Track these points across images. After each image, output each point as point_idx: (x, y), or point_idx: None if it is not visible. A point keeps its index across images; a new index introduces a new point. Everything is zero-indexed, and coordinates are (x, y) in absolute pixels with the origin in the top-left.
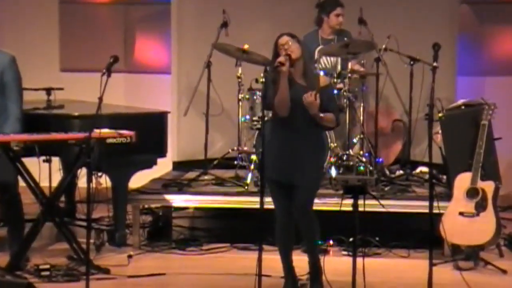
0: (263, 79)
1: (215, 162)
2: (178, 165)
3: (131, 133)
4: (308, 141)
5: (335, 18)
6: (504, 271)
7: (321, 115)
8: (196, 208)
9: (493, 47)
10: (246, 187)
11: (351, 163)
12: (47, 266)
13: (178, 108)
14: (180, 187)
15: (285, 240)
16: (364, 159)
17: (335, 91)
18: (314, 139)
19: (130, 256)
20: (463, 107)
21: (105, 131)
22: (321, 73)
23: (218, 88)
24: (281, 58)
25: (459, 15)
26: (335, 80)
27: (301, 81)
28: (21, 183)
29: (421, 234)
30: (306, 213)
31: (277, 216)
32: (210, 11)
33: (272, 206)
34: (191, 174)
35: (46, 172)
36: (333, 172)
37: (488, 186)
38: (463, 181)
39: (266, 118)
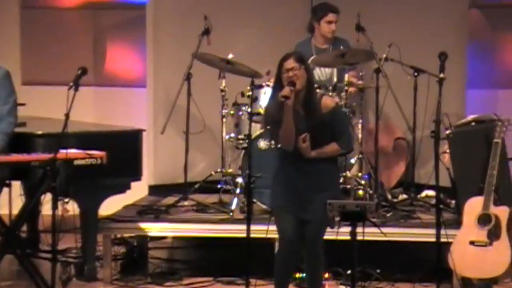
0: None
1: (196, 186)
2: (155, 190)
3: (102, 153)
4: (321, 172)
5: (326, 26)
6: None
7: (319, 150)
8: (175, 238)
9: (506, 57)
10: (231, 214)
11: (349, 186)
12: None
13: (154, 125)
14: (157, 214)
15: (287, 271)
16: (363, 182)
17: None
18: (326, 169)
19: None
20: (473, 124)
21: (73, 151)
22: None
23: (199, 102)
24: (286, 91)
25: (468, 21)
26: (330, 93)
27: (299, 108)
28: None
29: (428, 266)
30: (318, 247)
31: (281, 244)
32: (190, 17)
33: (259, 235)
34: (169, 200)
35: (6, 198)
36: None
37: (502, 212)
38: (474, 206)
39: (253, 136)
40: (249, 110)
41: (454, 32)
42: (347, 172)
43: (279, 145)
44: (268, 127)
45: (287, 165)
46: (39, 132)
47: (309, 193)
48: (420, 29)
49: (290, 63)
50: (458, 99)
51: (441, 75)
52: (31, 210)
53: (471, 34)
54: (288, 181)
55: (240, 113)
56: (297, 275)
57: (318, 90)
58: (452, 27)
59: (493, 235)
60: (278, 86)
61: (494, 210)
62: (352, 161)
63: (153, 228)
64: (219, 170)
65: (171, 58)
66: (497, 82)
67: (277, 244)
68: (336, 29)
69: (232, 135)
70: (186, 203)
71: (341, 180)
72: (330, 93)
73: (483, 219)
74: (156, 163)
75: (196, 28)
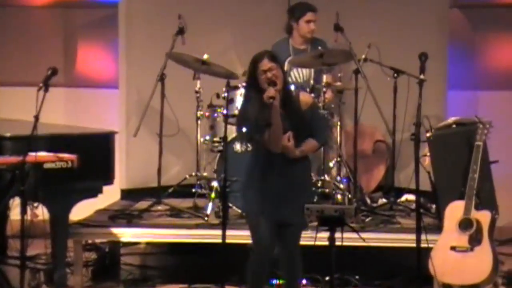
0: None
1: (170, 190)
2: (127, 194)
3: (73, 156)
4: (297, 172)
5: (306, 25)
6: None
7: (302, 148)
8: (148, 243)
9: (488, 57)
10: (206, 219)
11: (327, 190)
12: None
13: (127, 127)
14: (129, 219)
15: (260, 277)
16: (342, 186)
17: None
18: (302, 169)
19: None
20: (454, 126)
21: (42, 154)
22: (292, 87)
23: (173, 104)
24: (271, 92)
25: (449, 21)
26: None
27: (281, 109)
28: None
29: (408, 272)
30: (297, 252)
31: (255, 248)
32: (164, 16)
33: (235, 241)
34: (143, 204)
35: None
36: None
37: (484, 217)
38: (455, 210)
39: (229, 139)
40: (224, 112)
41: (434, 32)
42: (326, 176)
43: (256, 147)
44: (244, 129)
45: (262, 166)
46: (8, 134)
47: (286, 194)
48: (400, 29)
49: (266, 63)
50: (439, 101)
51: (422, 76)
52: None
53: (452, 34)
54: (263, 183)
55: (216, 115)
56: (276, 282)
57: (292, 88)
58: (433, 27)
59: (475, 240)
60: (253, 89)
61: (475, 214)
62: (331, 164)
63: (125, 234)
64: (193, 173)
65: (144, 58)
66: (479, 84)
67: None
68: (315, 28)
69: (207, 137)
70: (159, 207)
71: (319, 184)
72: None
73: (464, 224)
74: (129, 167)
75: (170, 27)
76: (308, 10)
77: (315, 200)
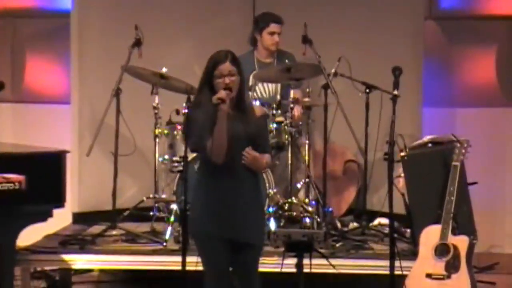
0: (187, 111)
1: (126, 213)
2: (80, 217)
3: (20, 177)
4: (249, 187)
5: (269, 37)
6: None
7: (265, 159)
8: (102, 271)
9: (465, 72)
10: (164, 244)
11: (295, 213)
12: None
13: (79, 146)
14: (82, 244)
15: None
16: (310, 209)
17: (274, 125)
18: (254, 183)
19: None
20: (430, 145)
21: None
22: (257, 102)
23: (129, 121)
24: (222, 93)
25: (424, 34)
26: (274, 111)
27: (234, 113)
28: None
29: None
30: (255, 275)
31: (209, 277)
32: (120, 26)
33: (196, 268)
34: (96, 229)
35: None
36: (273, 224)
37: (461, 242)
38: (430, 235)
39: (189, 158)
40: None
41: (409, 45)
42: (293, 198)
43: (203, 159)
44: (191, 139)
45: (209, 181)
46: None
47: (242, 212)
48: (373, 42)
49: (227, 67)
50: (414, 118)
51: (395, 92)
52: None
53: (427, 47)
54: (215, 202)
55: (175, 132)
56: None
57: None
58: (407, 40)
59: (452, 267)
60: (206, 90)
61: (452, 240)
62: (298, 186)
63: (77, 260)
64: (151, 195)
65: (98, 71)
66: (456, 100)
67: None
68: (280, 40)
69: (166, 157)
70: (114, 232)
71: (286, 207)
72: (274, 112)
73: (441, 249)
74: (81, 188)
75: (126, 38)
76: (272, 21)
77: (281, 224)
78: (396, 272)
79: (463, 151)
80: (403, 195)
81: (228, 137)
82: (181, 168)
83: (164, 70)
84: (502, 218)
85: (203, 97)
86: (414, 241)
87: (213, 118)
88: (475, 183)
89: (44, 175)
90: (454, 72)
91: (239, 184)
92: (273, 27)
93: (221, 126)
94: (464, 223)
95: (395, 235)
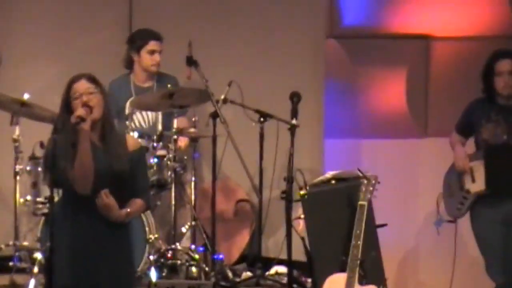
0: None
1: None
2: None
3: None
4: (116, 230)
5: (149, 57)
6: None
7: (128, 210)
8: None
9: (373, 98)
10: None
11: (179, 261)
12: None
13: None
14: None
15: None
16: (197, 256)
17: (155, 160)
18: (123, 227)
19: None
20: (333, 182)
21: None
22: (135, 134)
23: None
24: (81, 111)
25: (326, 55)
26: (154, 144)
27: (98, 143)
28: None
29: None
30: None
31: None
32: None
33: None
34: None
35: None
36: (154, 275)
37: None
38: (334, 285)
39: (56, 198)
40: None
41: (308, 67)
42: (177, 244)
43: (64, 197)
44: (52, 172)
45: (75, 224)
46: None
47: (105, 258)
48: (268, 64)
49: (83, 84)
50: (315, 150)
51: (294, 121)
52: None
53: (329, 70)
54: (75, 244)
55: (39, 169)
56: None
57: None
58: (307, 61)
59: None
60: (65, 115)
61: None
62: (183, 229)
63: None
64: (11, 243)
65: None
66: (362, 130)
67: None
68: (161, 60)
69: (29, 197)
70: None
71: (169, 254)
72: (155, 144)
73: None
74: None
75: None
76: (151, 38)
77: (163, 274)
78: None
79: (371, 188)
80: (303, 239)
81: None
82: (46, 210)
83: (26, 96)
84: (414, 265)
85: (62, 123)
86: None
87: (76, 143)
88: (384, 225)
89: None
90: (360, 98)
91: (104, 227)
92: (152, 44)
93: (84, 148)
94: (372, 270)
95: (294, 285)
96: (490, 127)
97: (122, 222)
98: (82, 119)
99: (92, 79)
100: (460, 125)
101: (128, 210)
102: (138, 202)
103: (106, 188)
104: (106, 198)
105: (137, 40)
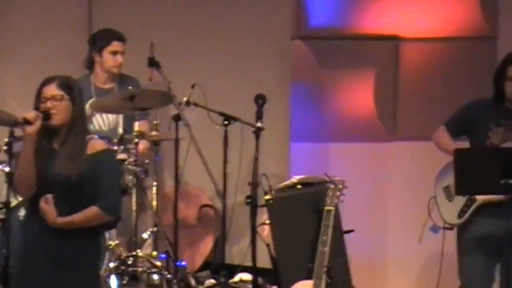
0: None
1: None
2: None
3: None
4: (76, 239)
5: (111, 58)
6: None
7: (67, 219)
8: None
9: (340, 100)
10: None
11: (140, 269)
12: None
13: None
14: None
15: None
16: (158, 263)
17: None
18: (82, 244)
19: None
20: (299, 187)
21: None
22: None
23: None
24: (30, 115)
25: (292, 56)
26: (115, 147)
27: (59, 149)
28: None
29: None
30: None
31: None
32: None
33: None
34: None
35: None
36: (114, 283)
37: None
38: None
39: (12, 204)
40: (6, 169)
41: (274, 69)
42: (138, 251)
43: (28, 209)
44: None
45: (29, 234)
46: None
47: (63, 268)
48: (232, 65)
49: (51, 90)
50: (280, 154)
51: (258, 124)
52: None
53: (296, 72)
54: (32, 254)
55: None
56: None
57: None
58: (272, 63)
59: None
60: None
61: None
62: (145, 236)
63: None
64: None
65: None
66: (329, 133)
67: None
68: (123, 61)
69: None
70: None
71: (130, 262)
72: (116, 147)
73: None
74: None
75: None
76: (114, 38)
77: (124, 282)
78: None
79: (338, 193)
80: (268, 245)
81: (42, 175)
82: (2, 216)
83: None
84: (383, 272)
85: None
86: None
87: (39, 149)
88: (351, 231)
89: None
90: (327, 101)
91: (54, 233)
92: (115, 45)
93: (25, 150)
94: (339, 277)
95: None
96: (500, 131)
97: (68, 229)
98: (27, 122)
99: (64, 85)
100: (453, 122)
101: (62, 220)
102: (91, 211)
103: (54, 193)
104: (45, 203)
105: (99, 40)
